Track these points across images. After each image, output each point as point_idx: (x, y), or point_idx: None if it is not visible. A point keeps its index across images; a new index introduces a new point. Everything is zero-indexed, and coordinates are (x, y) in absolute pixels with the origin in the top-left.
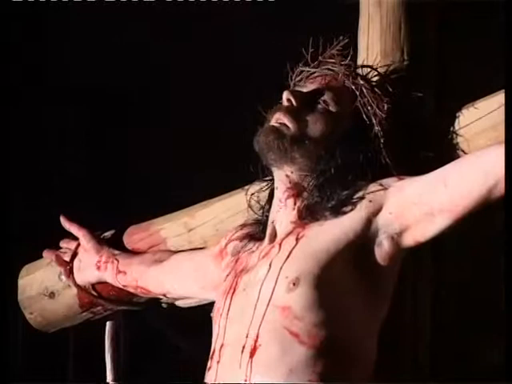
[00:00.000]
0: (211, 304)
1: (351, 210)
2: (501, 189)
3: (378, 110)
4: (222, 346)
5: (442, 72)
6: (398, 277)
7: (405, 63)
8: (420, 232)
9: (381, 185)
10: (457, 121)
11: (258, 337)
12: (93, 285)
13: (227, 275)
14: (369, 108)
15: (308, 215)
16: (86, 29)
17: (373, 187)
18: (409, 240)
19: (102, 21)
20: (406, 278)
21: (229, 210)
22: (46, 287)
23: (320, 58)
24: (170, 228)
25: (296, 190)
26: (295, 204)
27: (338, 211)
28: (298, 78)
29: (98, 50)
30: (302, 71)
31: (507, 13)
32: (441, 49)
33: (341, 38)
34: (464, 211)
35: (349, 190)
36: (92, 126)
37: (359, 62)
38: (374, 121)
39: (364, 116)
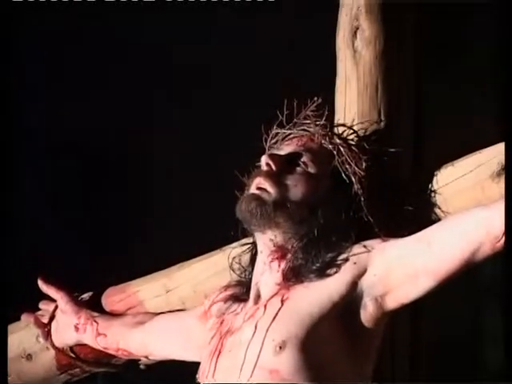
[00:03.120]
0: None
1: (336, 272)
2: (483, 251)
3: (356, 169)
4: None
5: (419, 132)
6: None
7: (382, 123)
8: (404, 294)
9: (365, 246)
10: (435, 180)
11: None
12: (71, 347)
13: (212, 337)
14: (347, 167)
15: (293, 277)
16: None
17: (357, 249)
18: (393, 302)
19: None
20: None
21: (207, 271)
22: (24, 349)
23: (295, 119)
24: (148, 289)
25: (280, 253)
26: (279, 266)
27: (322, 273)
28: (274, 141)
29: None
30: (277, 133)
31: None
32: (418, 109)
33: (315, 98)
34: (448, 273)
35: (333, 251)
36: (71, 184)
37: (336, 122)
38: (354, 179)
39: (343, 175)
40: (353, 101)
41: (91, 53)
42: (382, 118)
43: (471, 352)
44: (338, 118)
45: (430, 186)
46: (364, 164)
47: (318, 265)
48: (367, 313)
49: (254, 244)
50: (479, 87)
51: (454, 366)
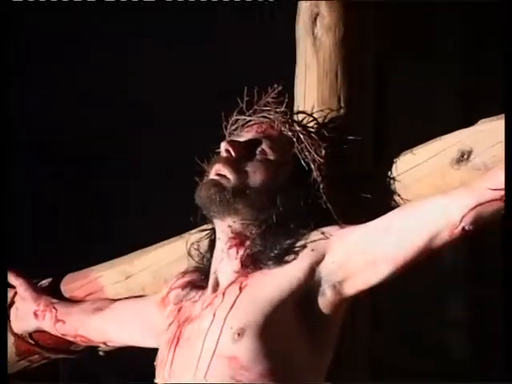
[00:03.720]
0: (149, 350)
1: (294, 258)
2: (442, 238)
3: (316, 156)
4: None
5: (380, 118)
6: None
7: (342, 111)
8: (362, 280)
9: (323, 233)
10: (395, 167)
11: None
12: (30, 333)
13: (170, 324)
14: (307, 154)
15: (251, 264)
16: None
17: (315, 236)
18: (351, 288)
19: None
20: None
21: (167, 258)
22: None
23: (255, 106)
24: (109, 275)
25: (239, 240)
26: (238, 253)
27: (280, 260)
28: (233, 127)
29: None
30: (237, 120)
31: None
32: (379, 96)
33: (275, 85)
34: (406, 260)
35: (291, 238)
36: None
37: (296, 110)
38: (313, 166)
39: (302, 162)
40: (312, 88)
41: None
42: (342, 105)
43: (434, 342)
44: (298, 105)
45: (389, 173)
46: (323, 151)
47: (276, 252)
48: (326, 299)
49: (213, 230)
50: (440, 75)
51: (416, 356)
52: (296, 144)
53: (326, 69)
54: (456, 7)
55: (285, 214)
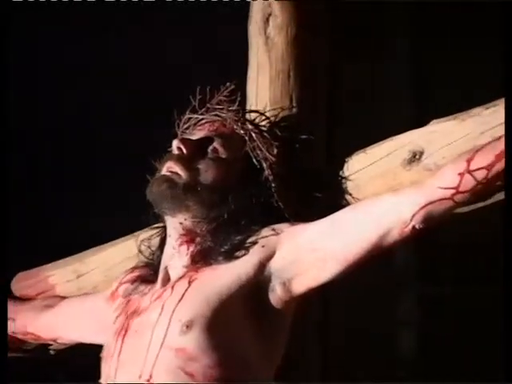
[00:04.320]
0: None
1: (244, 254)
2: (392, 236)
3: (268, 154)
4: None
5: (332, 118)
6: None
7: (294, 110)
8: (312, 278)
9: (273, 230)
10: (347, 166)
11: (151, 377)
12: None
13: (117, 316)
14: (259, 152)
15: (201, 259)
16: None
17: (265, 232)
18: (301, 286)
19: None
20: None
21: (119, 256)
22: None
23: (208, 104)
24: (60, 274)
25: (189, 237)
26: (188, 250)
27: (230, 256)
28: (186, 126)
29: None
30: (189, 118)
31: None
32: (332, 97)
33: (228, 84)
34: (356, 258)
35: (242, 234)
36: None
37: (248, 108)
38: (265, 165)
39: (254, 160)
40: (265, 87)
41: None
42: (294, 104)
43: (385, 342)
44: (250, 104)
45: (342, 172)
46: (275, 150)
47: (226, 247)
48: (275, 296)
49: (164, 228)
50: (393, 74)
51: (368, 356)
52: (248, 142)
53: (278, 68)
54: (407, 7)
55: (236, 211)
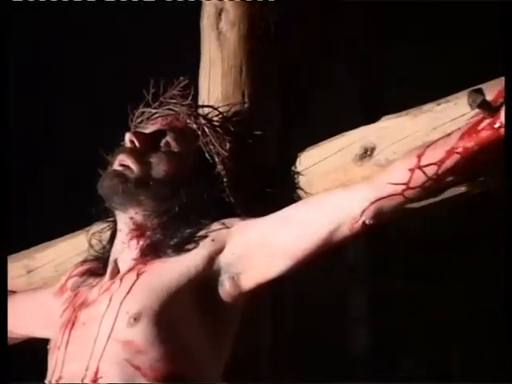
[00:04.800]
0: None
1: (194, 247)
2: (342, 232)
3: (220, 149)
4: (59, 378)
5: (284, 114)
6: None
7: (246, 105)
8: (261, 273)
9: (224, 224)
10: (300, 162)
11: (98, 370)
12: None
13: (65, 309)
14: (211, 147)
15: (150, 252)
16: None
17: (216, 226)
18: (249, 281)
19: None
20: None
21: (69, 252)
22: None
23: (161, 98)
24: (10, 269)
25: (140, 231)
26: (138, 244)
27: (180, 249)
28: (139, 120)
29: None
30: (143, 112)
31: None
32: (284, 92)
33: (181, 78)
34: (305, 253)
35: (192, 228)
36: None
37: (200, 103)
38: (217, 159)
39: (207, 155)
40: (217, 82)
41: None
42: (246, 100)
43: (336, 338)
44: (203, 99)
45: (294, 168)
46: (228, 145)
47: (175, 240)
48: (224, 290)
49: (115, 222)
50: (345, 72)
51: (320, 353)
52: (201, 137)
53: (230, 64)
54: (364, 6)
55: (187, 205)
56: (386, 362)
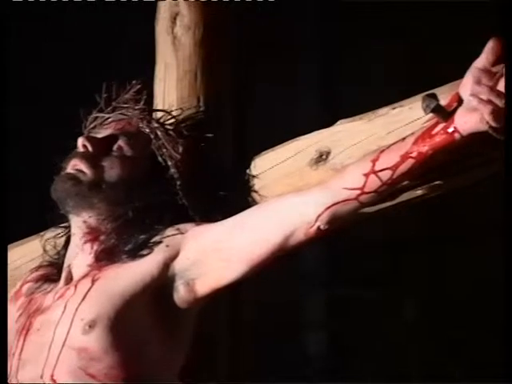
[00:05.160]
0: None
1: (148, 253)
2: (297, 237)
3: (173, 152)
4: None
5: (240, 118)
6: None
7: (201, 110)
8: (215, 279)
9: (178, 229)
10: (254, 166)
11: (52, 377)
12: None
13: (19, 316)
14: (164, 150)
15: (105, 258)
16: None
17: (170, 231)
18: (204, 287)
19: None
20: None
21: (24, 257)
22: None
23: (114, 103)
24: None
25: (93, 235)
26: (92, 248)
27: (134, 255)
28: (92, 125)
29: None
30: (96, 118)
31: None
32: (240, 96)
33: (134, 82)
34: (260, 258)
35: (146, 234)
36: None
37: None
38: (170, 163)
39: (160, 158)
40: (172, 87)
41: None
42: (202, 104)
43: (293, 342)
44: (157, 103)
45: (249, 171)
46: (181, 148)
47: (130, 246)
48: (179, 296)
49: (69, 227)
50: (302, 76)
51: (276, 356)
52: (153, 141)
53: (185, 68)
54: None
55: (141, 209)
56: (341, 364)
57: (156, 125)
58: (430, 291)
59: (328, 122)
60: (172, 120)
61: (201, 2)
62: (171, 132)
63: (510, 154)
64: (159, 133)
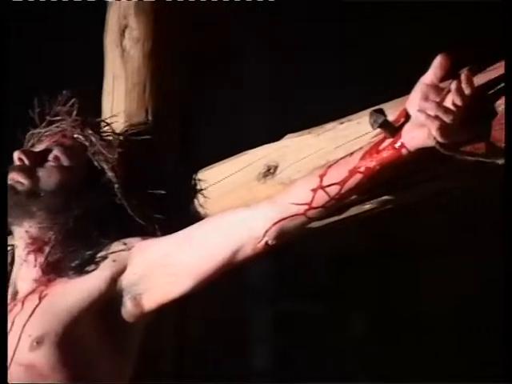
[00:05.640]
0: None
1: (94, 269)
2: (245, 252)
3: (108, 155)
4: None
5: (188, 131)
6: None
7: (149, 122)
8: (162, 293)
9: (125, 244)
10: (202, 180)
11: None
12: None
13: None
14: (100, 156)
15: (51, 272)
16: None
17: (116, 247)
18: (151, 301)
19: None
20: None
21: None
22: None
23: (47, 117)
24: None
25: (37, 245)
26: (36, 260)
27: (81, 271)
28: (30, 143)
29: None
30: (32, 134)
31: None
32: (188, 109)
33: (64, 92)
34: (208, 273)
35: (92, 249)
36: None
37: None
38: (106, 167)
39: (96, 163)
40: (120, 99)
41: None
42: (150, 117)
43: (239, 353)
44: (105, 115)
45: (196, 185)
46: (116, 152)
47: (76, 262)
48: (127, 311)
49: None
50: (251, 89)
51: (223, 370)
52: (89, 148)
53: (133, 81)
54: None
55: (82, 218)
56: (288, 379)
57: (90, 131)
58: (376, 306)
59: (277, 136)
60: (107, 127)
61: (150, 15)
62: (106, 137)
63: (511, 154)
64: (93, 139)
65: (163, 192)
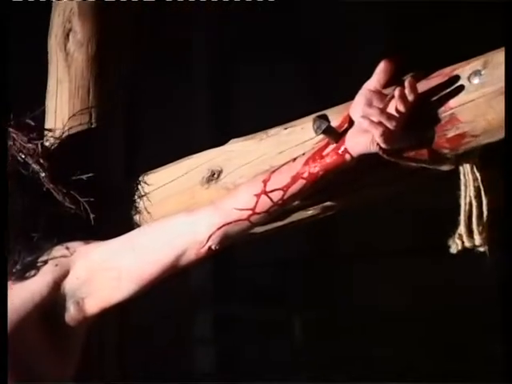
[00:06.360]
0: None
1: (34, 274)
2: (188, 257)
3: (30, 145)
4: None
5: (132, 136)
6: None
7: (93, 126)
8: (105, 298)
9: (67, 248)
10: (145, 184)
11: None
12: None
13: None
14: (22, 150)
15: None
16: None
17: (58, 251)
18: (93, 306)
19: None
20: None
21: None
22: None
23: None
24: None
25: None
26: None
27: (22, 276)
28: None
29: None
30: None
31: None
32: (133, 114)
33: None
34: (151, 278)
35: (33, 254)
36: None
37: (48, 125)
38: (31, 160)
39: (19, 158)
40: (64, 103)
41: None
42: (93, 121)
43: (183, 358)
44: (49, 119)
45: (140, 189)
46: (40, 144)
47: (17, 267)
48: (70, 315)
49: None
50: (194, 94)
51: (166, 371)
52: (12, 146)
53: (78, 84)
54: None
55: (16, 219)
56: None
57: (11, 129)
58: (316, 310)
59: (221, 140)
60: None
61: (94, 18)
62: (31, 134)
63: (510, 154)
64: (15, 136)
65: (91, 174)
